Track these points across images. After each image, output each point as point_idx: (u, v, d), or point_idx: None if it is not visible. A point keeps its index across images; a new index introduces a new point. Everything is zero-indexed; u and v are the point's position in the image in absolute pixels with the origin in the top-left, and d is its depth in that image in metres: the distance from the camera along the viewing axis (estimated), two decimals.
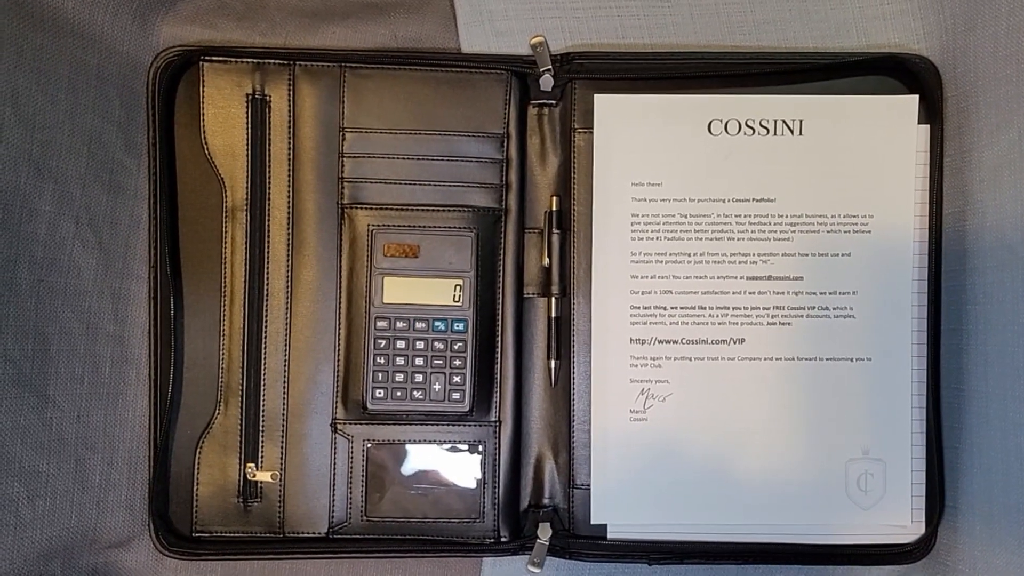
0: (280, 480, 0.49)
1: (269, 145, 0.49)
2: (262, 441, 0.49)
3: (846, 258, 0.49)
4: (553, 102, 0.50)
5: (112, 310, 0.47)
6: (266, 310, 0.49)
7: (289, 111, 0.49)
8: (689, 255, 0.49)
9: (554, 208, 0.50)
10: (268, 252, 0.49)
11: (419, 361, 0.49)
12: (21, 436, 0.42)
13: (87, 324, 0.46)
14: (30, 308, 0.43)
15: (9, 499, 0.42)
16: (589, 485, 0.49)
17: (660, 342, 0.49)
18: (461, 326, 0.49)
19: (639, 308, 0.49)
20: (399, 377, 0.49)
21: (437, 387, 0.49)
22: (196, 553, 0.49)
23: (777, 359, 0.49)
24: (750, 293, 0.49)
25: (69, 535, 0.45)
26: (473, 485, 0.49)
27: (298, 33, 0.50)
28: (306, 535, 0.49)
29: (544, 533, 0.49)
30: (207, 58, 0.48)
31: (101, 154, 0.46)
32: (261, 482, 0.49)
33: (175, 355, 0.49)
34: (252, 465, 0.49)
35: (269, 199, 0.49)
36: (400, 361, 0.49)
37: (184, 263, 0.49)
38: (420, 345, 0.49)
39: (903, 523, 0.49)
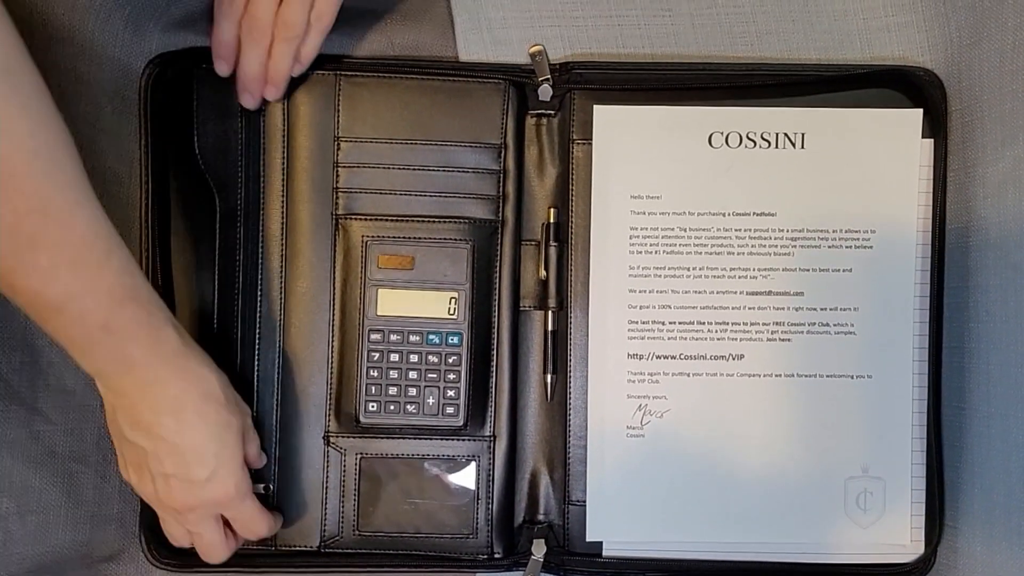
0: (272, 493, 0.50)
1: (263, 154, 0.49)
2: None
3: (847, 274, 0.49)
4: (552, 112, 0.51)
5: None
6: (259, 321, 0.50)
7: (283, 119, 0.49)
8: (688, 269, 0.50)
9: (551, 220, 0.51)
10: (261, 262, 0.49)
11: (413, 374, 0.49)
12: (10, 450, 0.43)
13: None
14: (19, 319, 0.43)
15: None
16: (585, 501, 0.50)
17: (658, 357, 0.50)
18: (456, 339, 0.49)
19: (637, 323, 0.50)
20: (392, 390, 0.49)
21: (431, 401, 0.49)
22: (187, 566, 0.49)
23: (776, 375, 0.50)
24: (750, 308, 0.50)
25: (61, 550, 0.46)
26: (467, 500, 0.50)
27: None
28: (297, 548, 0.50)
29: (538, 550, 0.50)
30: (200, 65, 0.49)
31: (92, 163, 0.46)
32: None
33: None
34: None
35: (263, 209, 0.49)
36: (393, 374, 0.49)
37: (176, 273, 0.50)
38: (414, 358, 0.49)
39: (902, 542, 0.50)
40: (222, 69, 0.48)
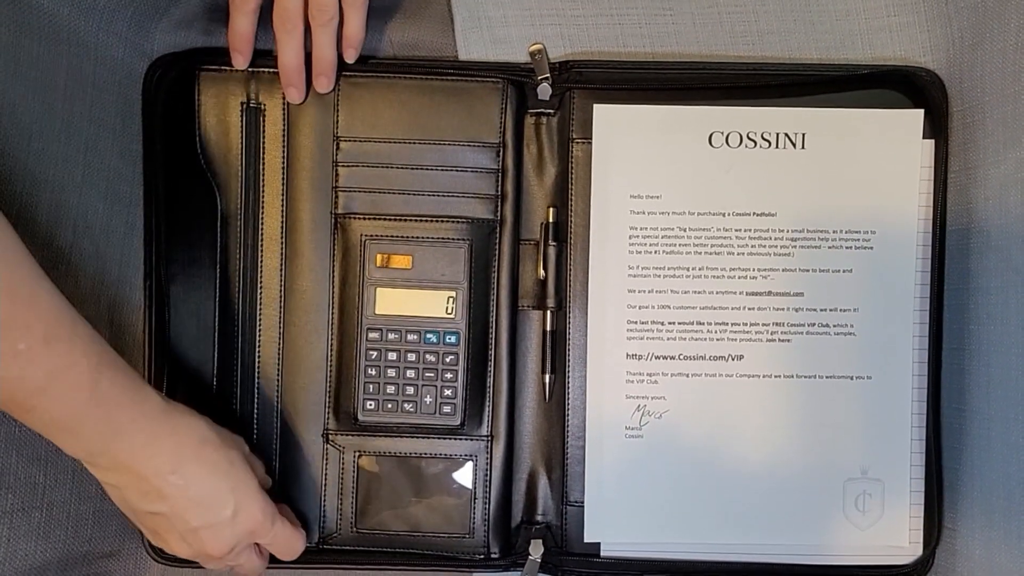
0: (272, 489, 0.52)
1: (263, 154, 0.51)
2: (254, 450, 0.52)
3: (847, 274, 0.51)
4: (551, 111, 0.53)
5: (107, 319, 0.50)
6: (260, 319, 0.52)
7: (283, 120, 0.51)
8: (688, 269, 0.51)
9: (551, 219, 0.53)
10: (261, 261, 0.52)
11: (410, 373, 0.51)
12: (17, 447, 0.44)
13: None
14: None
15: (3, 511, 0.43)
16: (583, 502, 0.51)
17: (657, 358, 0.51)
18: (453, 338, 0.51)
19: (636, 323, 0.51)
20: (390, 389, 0.51)
21: (428, 400, 0.51)
22: (186, 562, 0.51)
23: (776, 376, 0.51)
24: (749, 309, 0.51)
25: (64, 547, 0.47)
26: (464, 500, 0.52)
27: None
28: None
29: (536, 550, 0.52)
30: (202, 66, 0.51)
31: (97, 162, 0.49)
32: None
33: (169, 363, 0.51)
34: None
35: (263, 208, 0.52)
36: (391, 373, 0.51)
37: (178, 271, 0.52)
38: (411, 357, 0.51)
39: (900, 544, 0.51)
40: (239, 62, 0.50)
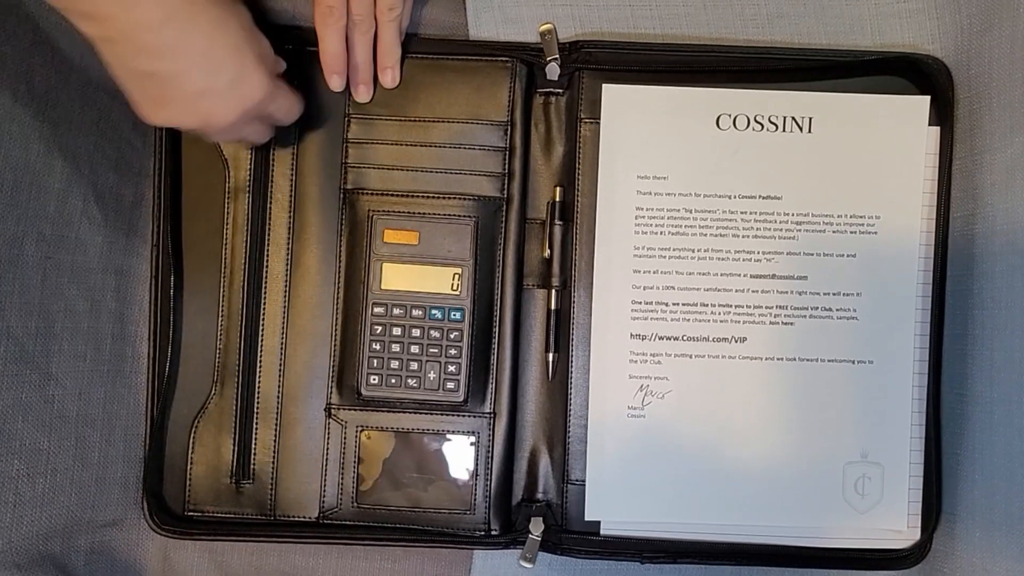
0: (273, 462, 0.54)
1: (274, 129, 0.54)
2: (256, 423, 0.54)
3: (851, 259, 0.53)
4: (560, 91, 0.55)
5: (115, 287, 0.53)
6: (265, 292, 0.54)
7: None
8: (693, 251, 0.54)
9: (557, 199, 0.55)
10: (269, 234, 0.54)
11: (414, 349, 0.54)
12: (22, 413, 0.47)
13: (91, 301, 0.51)
14: (35, 285, 0.47)
15: (9, 476, 0.46)
16: (584, 481, 0.54)
17: (660, 338, 0.54)
18: (458, 315, 0.54)
19: (640, 303, 0.54)
20: (394, 364, 0.54)
21: (432, 376, 0.54)
22: (187, 532, 0.54)
23: (778, 359, 0.53)
24: (753, 291, 0.53)
25: (68, 514, 0.50)
26: (466, 476, 0.54)
27: (306, 14, 0.55)
28: (297, 519, 0.54)
29: (536, 528, 0.54)
30: None
31: (109, 132, 0.51)
32: (255, 464, 0.54)
33: (173, 334, 0.54)
34: None
35: (272, 181, 0.54)
36: (396, 348, 0.54)
37: (185, 243, 0.54)
38: (416, 333, 0.54)
39: (899, 528, 0.53)
40: (335, 84, 0.52)
